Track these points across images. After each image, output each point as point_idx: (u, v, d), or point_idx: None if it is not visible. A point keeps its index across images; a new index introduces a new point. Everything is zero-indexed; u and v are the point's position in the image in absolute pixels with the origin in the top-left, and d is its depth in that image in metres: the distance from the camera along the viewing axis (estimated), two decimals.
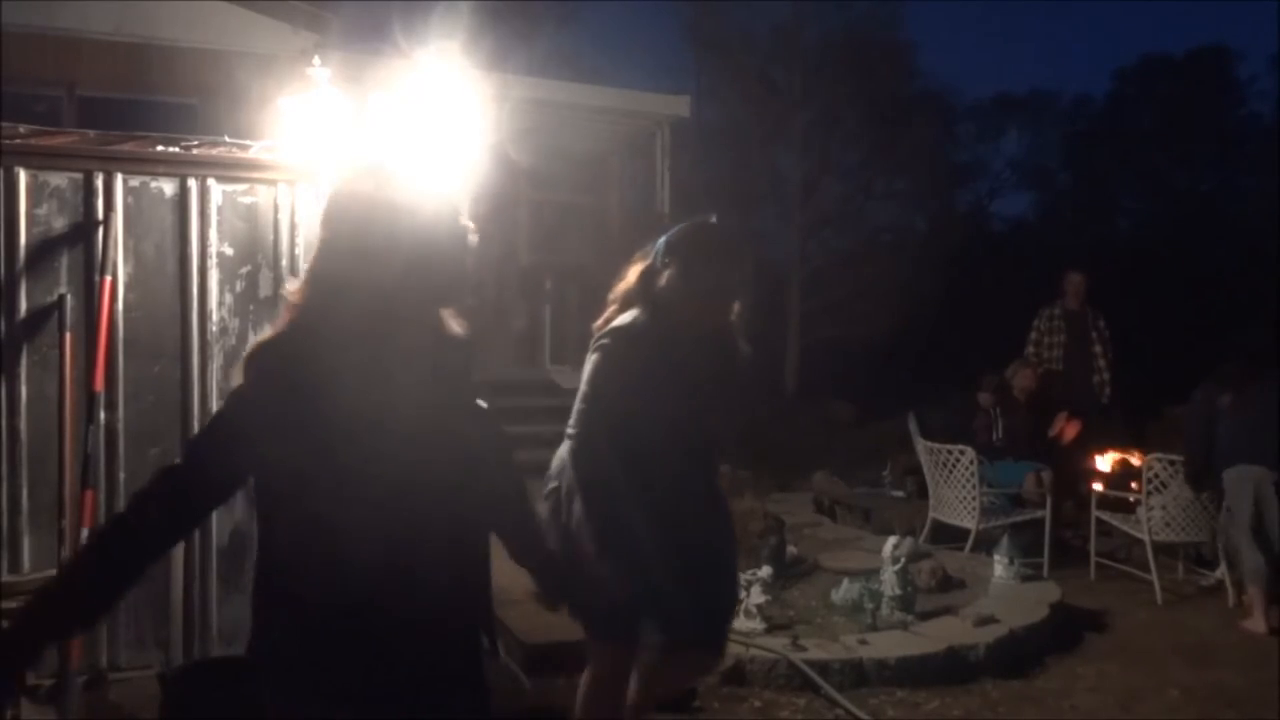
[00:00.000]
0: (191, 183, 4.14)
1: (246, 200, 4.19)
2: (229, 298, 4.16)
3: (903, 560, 5.35)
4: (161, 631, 4.02)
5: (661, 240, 3.02)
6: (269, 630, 1.78)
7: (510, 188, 11.10)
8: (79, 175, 3.96)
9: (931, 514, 7.18)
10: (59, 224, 3.93)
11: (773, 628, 5.05)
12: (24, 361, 3.87)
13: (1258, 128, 26.52)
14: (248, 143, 4.31)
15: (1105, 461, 7.61)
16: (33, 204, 3.90)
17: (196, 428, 4.00)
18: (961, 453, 6.86)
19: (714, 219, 3.18)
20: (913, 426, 7.55)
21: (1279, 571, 5.73)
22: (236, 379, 1.79)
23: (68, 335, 3.85)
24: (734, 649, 4.81)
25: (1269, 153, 23.12)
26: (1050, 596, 5.78)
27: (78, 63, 8.87)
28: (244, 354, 1.82)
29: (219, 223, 4.17)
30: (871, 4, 16.67)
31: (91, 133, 4.36)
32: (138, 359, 4.01)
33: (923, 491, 7.42)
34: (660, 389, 2.88)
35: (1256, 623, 5.74)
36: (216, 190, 4.20)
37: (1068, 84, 38.63)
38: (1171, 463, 6.41)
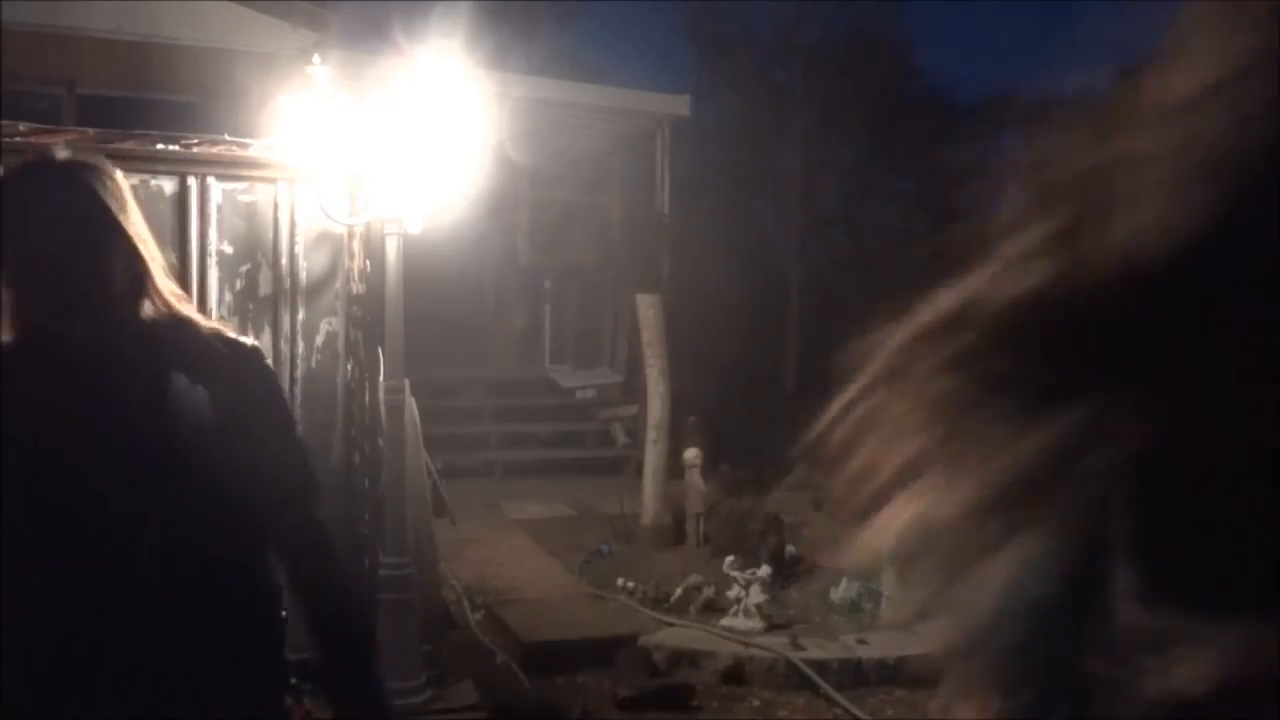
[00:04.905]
0: (191, 181, 4.14)
1: (246, 198, 4.19)
2: (229, 296, 4.17)
3: None
4: None
5: None
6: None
7: (510, 187, 11.12)
8: None
9: None
10: None
11: (772, 627, 5.05)
12: None
13: None
14: (248, 141, 4.31)
15: None
16: None
17: None
18: None
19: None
20: None
21: None
22: None
23: None
24: (733, 648, 4.82)
25: None
26: None
27: (78, 61, 8.89)
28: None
29: (219, 221, 4.17)
30: (873, 3, 16.67)
31: (92, 131, 4.36)
32: None
33: None
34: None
35: None
36: (216, 188, 4.20)
37: (1067, 84, 38.42)
38: None
